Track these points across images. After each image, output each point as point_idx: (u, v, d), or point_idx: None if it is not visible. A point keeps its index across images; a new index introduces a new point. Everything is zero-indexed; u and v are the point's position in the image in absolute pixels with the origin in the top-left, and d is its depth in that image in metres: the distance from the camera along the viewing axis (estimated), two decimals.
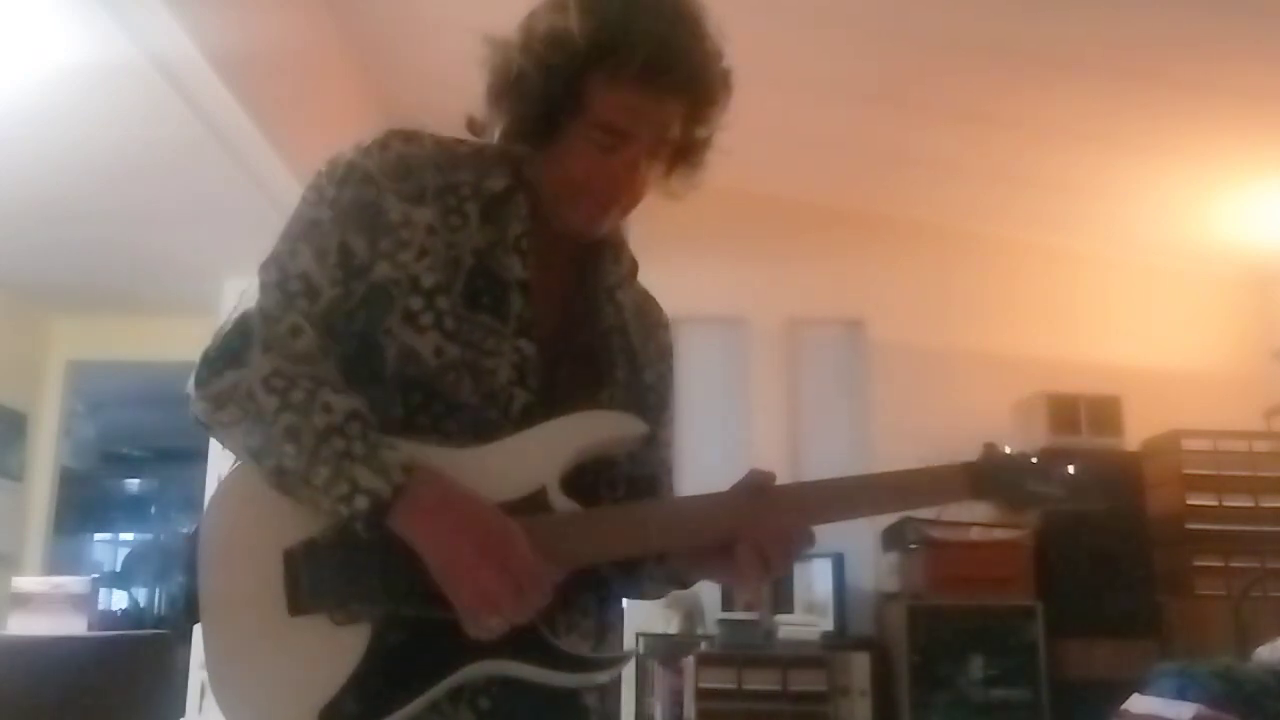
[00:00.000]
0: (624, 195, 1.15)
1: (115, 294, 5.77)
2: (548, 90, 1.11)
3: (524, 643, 1.04)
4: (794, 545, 1.11)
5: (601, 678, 1.11)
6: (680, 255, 5.04)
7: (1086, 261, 5.29)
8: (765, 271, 5.27)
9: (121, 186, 4.42)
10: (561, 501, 1.08)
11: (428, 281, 1.09)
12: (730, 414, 5.10)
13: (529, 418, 1.11)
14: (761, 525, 1.11)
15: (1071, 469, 1.18)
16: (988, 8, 3.68)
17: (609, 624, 1.21)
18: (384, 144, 1.15)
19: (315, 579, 1.04)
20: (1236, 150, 4.28)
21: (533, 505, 1.07)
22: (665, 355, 1.32)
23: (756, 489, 1.13)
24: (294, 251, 1.11)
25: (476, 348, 1.10)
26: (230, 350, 1.07)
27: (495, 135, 1.17)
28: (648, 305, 1.32)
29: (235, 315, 1.10)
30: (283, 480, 1.05)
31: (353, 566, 1.04)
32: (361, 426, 1.03)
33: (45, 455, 6.19)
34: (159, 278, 5.29)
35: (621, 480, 1.23)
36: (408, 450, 1.04)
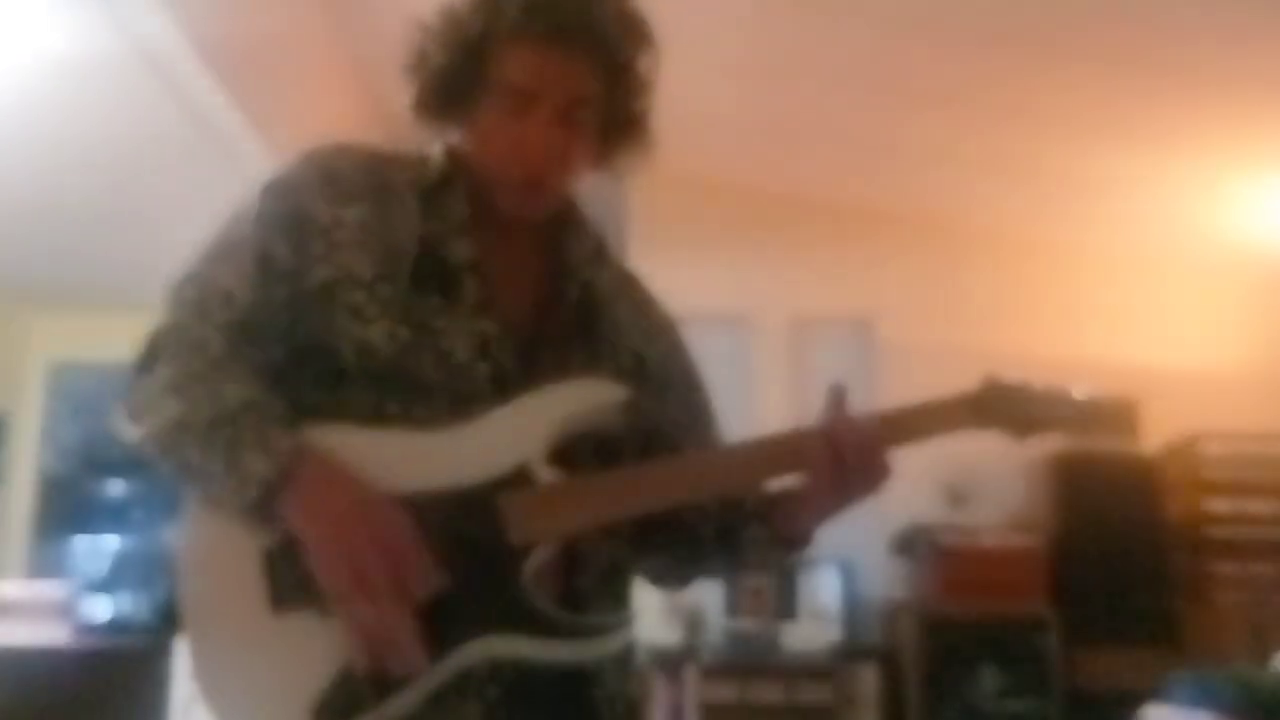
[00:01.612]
0: (545, 163, 1.16)
1: (99, 292, 5.77)
2: (446, 60, 1.16)
3: (515, 613, 1.06)
4: (874, 455, 1.17)
5: (602, 647, 1.11)
6: (683, 251, 5.05)
7: (1100, 257, 5.29)
8: (770, 269, 5.27)
9: (106, 181, 4.43)
10: (546, 475, 1.10)
11: (367, 274, 1.14)
12: (734, 415, 5.08)
13: (502, 390, 1.13)
14: (836, 432, 1.16)
15: (1079, 394, 1.24)
16: None
17: (618, 597, 1.22)
18: (308, 157, 1.21)
19: (294, 572, 1.06)
20: (1254, 140, 4.27)
21: (516, 480, 1.09)
22: (666, 329, 1.34)
23: (834, 402, 1.19)
24: (214, 272, 1.16)
25: (428, 328, 1.13)
26: (143, 366, 1.14)
27: (409, 108, 1.22)
28: (630, 283, 1.34)
29: (148, 333, 1.16)
30: (191, 477, 1.10)
31: None
32: (255, 416, 1.07)
33: (26, 459, 6.20)
34: (144, 275, 5.26)
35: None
36: (322, 437, 1.08)
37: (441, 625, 1.04)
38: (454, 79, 1.17)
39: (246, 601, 1.07)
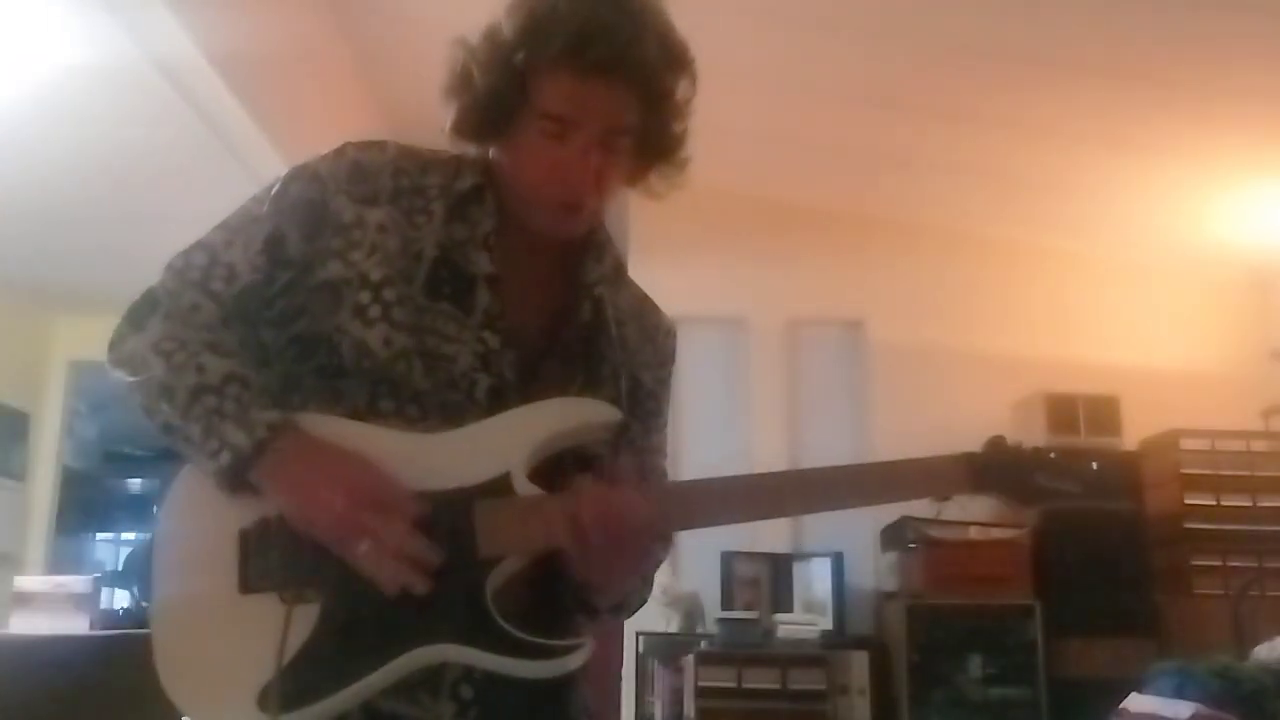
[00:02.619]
0: (582, 187, 1.12)
1: (117, 294, 5.75)
2: (488, 84, 1.12)
3: (473, 627, 1.03)
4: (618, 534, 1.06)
5: (556, 668, 1.06)
6: (680, 256, 5.05)
7: (1084, 262, 5.29)
8: (765, 272, 5.27)
9: (124, 188, 4.43)
10: (525, 487, 1.07)
11: (376, 275, 1.11)
12: (730, 415, 5.10)
13: (498, 403, 1.11)
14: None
15: (1088, 464, 1.13)
16: (983, 9, 3.68)
17: (591, 608, 1.18)
18: (340, 151, 1.18)
19: (264, 557, 1.05)
20: (1234, 150, 4.28)
21: (496, 490, 1.06)
22: (666, 361, 1.31)
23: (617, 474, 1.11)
24: (229, 242, 1.15)
25: (436, 334, 1.11)
26: (135, 318, 1.14)
27: (446, 130, 1.19)
28: (646, 308, 1.31)
29: (144, 289, 1.16)
30: (171, 438, 1.10)
31: (301, 544, 1.05)
32: (239, 388, 1.07)
33: (47, 455, 6.20)
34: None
35: None
36: (316, 424, 1.08)
37: (399, 626, 1.02)
38: (496, 104, 1.13)
39: (216, 581, 1.06)
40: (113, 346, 1.15)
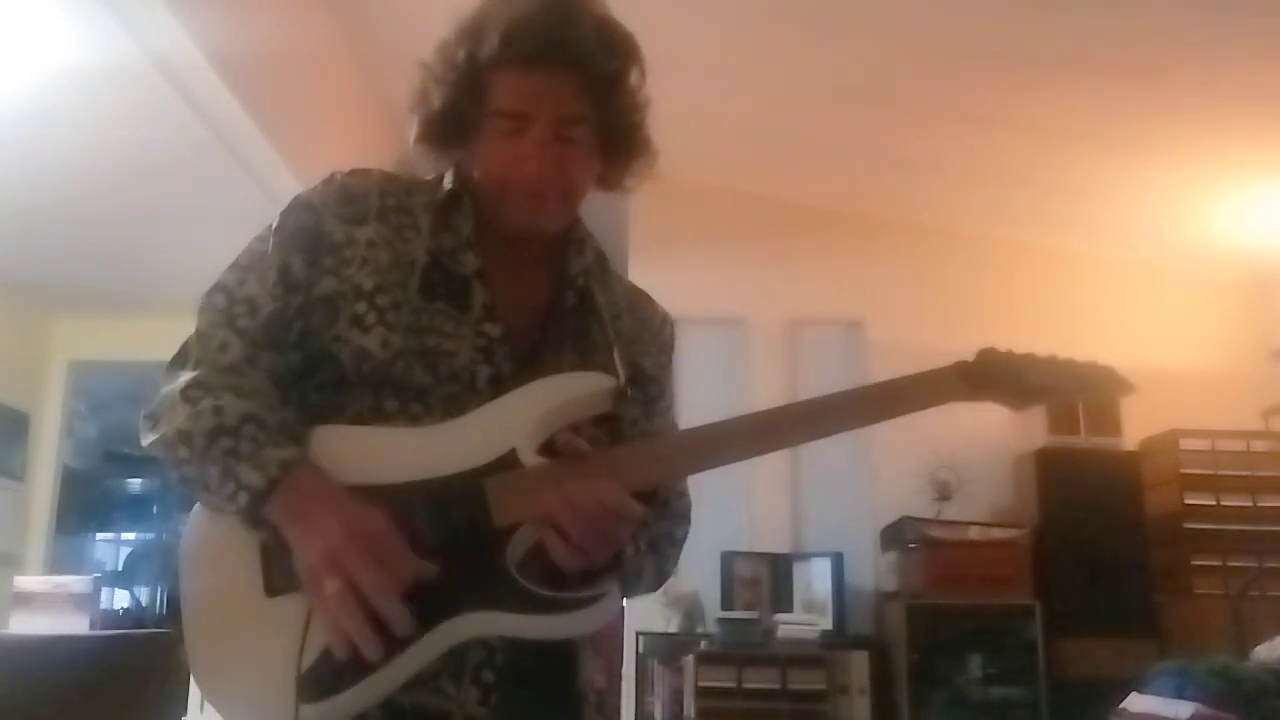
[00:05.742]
0: (542, 175, 1.16)
1: (117, 294, 5.78)
2: (443, 94, 1.18)
3: (496, 592, 1.06)
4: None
5: (580, 623, 1.08)
6: (681, 256, 5.05)
7: (1085, 261, 5.29)
8: (765, 272, 5.28)
9: (123, 187, 4.43)
10: (532, 459, 1.10)
11: (369, 285, 1.16)
12: (730, 415, 5.10)
13: (499, 392, 1.14)
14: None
15: (1078, 359, 1.18)
16: (985, 10, 3.68)
17: (607, 574, 1.19)
18: (329, 179, 1.24)
19: (286, 557, 1.08)
20: (1235, 150, 4.28)
21: (504, 466, 1.09)
22: (665, 348, 1.35)
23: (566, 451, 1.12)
24: (242, 280, 1.19)
25: (436, 332, 1.15)
26: (171, 370, 1.17)
27: (410, 144, 1.24)
28: (639, 299, 1.35)
29: (181, 344, 1.19)
30: (190, 488, 1.12)
31: None
32: (254, 428, 1.09)
33: (47, 455, 6.20)
34: (160, 278, 5.30)
35: None
36: (324, 436, 1.10)
37: (425, 604, 1.05)
38: (450, 113, 1.19)
39: (243, 588, 1.09)
40: (148, 402, 1.17)
